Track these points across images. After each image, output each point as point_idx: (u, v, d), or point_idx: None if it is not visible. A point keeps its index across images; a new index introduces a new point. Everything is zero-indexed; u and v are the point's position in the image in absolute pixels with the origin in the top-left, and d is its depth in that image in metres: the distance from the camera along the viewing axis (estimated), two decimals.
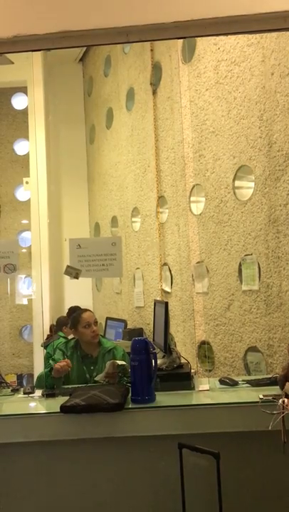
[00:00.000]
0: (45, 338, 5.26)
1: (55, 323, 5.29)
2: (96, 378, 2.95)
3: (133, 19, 2.54)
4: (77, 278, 3.03)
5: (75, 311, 5.21)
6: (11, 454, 2.52)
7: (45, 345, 4.80)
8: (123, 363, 2.89)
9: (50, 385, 2.93)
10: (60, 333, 5.04)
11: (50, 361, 3.36)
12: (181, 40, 4.07)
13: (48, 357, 3.74)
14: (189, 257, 4.27)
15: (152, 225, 5.01)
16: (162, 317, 3.14)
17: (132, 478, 2.51)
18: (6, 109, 7.24)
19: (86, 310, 3.51)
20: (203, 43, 3.99)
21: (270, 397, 2.49)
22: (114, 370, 2.85)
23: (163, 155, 4.77)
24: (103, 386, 2.74)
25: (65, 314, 5.54)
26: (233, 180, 3.69)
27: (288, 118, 3.14)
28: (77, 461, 2.52)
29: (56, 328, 5.19)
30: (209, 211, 3.98)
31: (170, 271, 4.69)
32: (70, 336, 4.88)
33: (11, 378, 3.22)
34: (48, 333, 5.26)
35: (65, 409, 2.46)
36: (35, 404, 2.78)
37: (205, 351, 4.01)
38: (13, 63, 3.98)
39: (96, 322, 3.41)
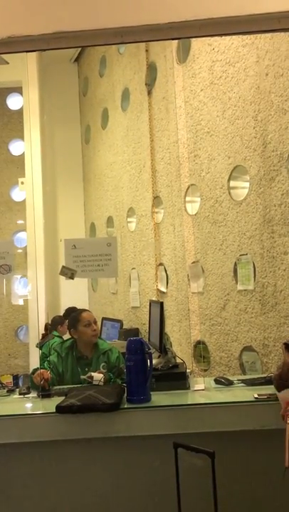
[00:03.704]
0: (40, 337, 5.26)
1: (50, 322, 5.29)
2: (82, 377, 2.97)
3: (127, 20, 2.55)
4: (72, 278, 3.03)
5: (73, 311, 5.23)
6: (6, 454, 2.52)
7: (40, 345, 4.80)
8: (99, 375, 2.89)
9: (33, 387, 2.93)
10: (55, 333, 5.04)
11: (45, 363, 3.36)
12: (176, 40, 4.08)
13: (43, 357, 3.73)
14: (185, 257, 4.28)
15: (148, 225, 5.01)
16: (158, 317, 3.15)
17: (127, 477, 2.51)
18: (1, 109, 7.23)
19: (84, 310, 3.52)
20: (197, 44, 4.00)
21: (265, 397, 2.50)
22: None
23: (158, 155, 4.78)
24: (98, 386, 2.75)
25: (60, 314, 5.54)
26: (228, 180, 3.69)
27: (283, 118, 3.15)
28: (73, 461, 2.52)
29: (51, 327, 5.19)
30: (204, 211, 3.99)
31: (166, 271, 4.69)
32: (65, 336, 4.89)
33: (7, 379, 3.20)
34: (43, 332, 5.26)
35: (60, 409, 2.46)
36: (31, 404, 2.78)
37: (200, 351, 4.02)
38: (8, 63, 3.97)
39: (95, 321, 3.42)
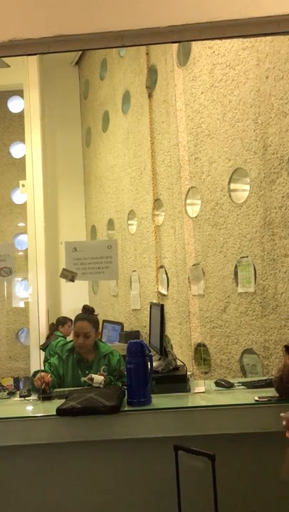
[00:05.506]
0: (45, 338, 5.27)
1: (55, 322, 5.32)
2: (83, 379, 2.97)
3: (128, 23, 2.56)
4: (72, 281, 3.04)
5: (61, 322, 5.29)
6: (7, 457, 2.52)
7: (44, 347, 4.81)
8: (99, 377, 2.90)
9: (33, 390, 2.93)
10: (58, 333, 5.05)
11: (46, 365, 3.36)
12: (177, 43, 4.09)
13: (47, 359, 3.73)
14: (185, 259, 4.28)
15: (148, 227, 5.02)
16: (158, 319, 3.15)
17: (128, 480, 2.51)
18: (2, 112, 7.24)
19: (83, 319, 3.38)
20: (198, 47, 4.01)
21: (266, 399, 2.50)
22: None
23: (159, 158, 4.79)
24: (99, 389, 2.75)
25: (64, 315, 5.55)
26: (229, 182, 3.70)
27: (283, 121, 3.16)
28: (73, 463, 2.52)
29: (55, 327, 5.21)
30: (205, 214, 3.99)
31: (166, 273, 4.70)
32: (69, 338, 4.90)
33: (8, 381, 3.22)
34: (48, 332, 5.28)
35: (61, 412, 2.46)
36: (32, 407, 2.79)
37: (201, 353, 4.02)
38: (9, 66, 3.99)
39: (87, 335, 3.30)
